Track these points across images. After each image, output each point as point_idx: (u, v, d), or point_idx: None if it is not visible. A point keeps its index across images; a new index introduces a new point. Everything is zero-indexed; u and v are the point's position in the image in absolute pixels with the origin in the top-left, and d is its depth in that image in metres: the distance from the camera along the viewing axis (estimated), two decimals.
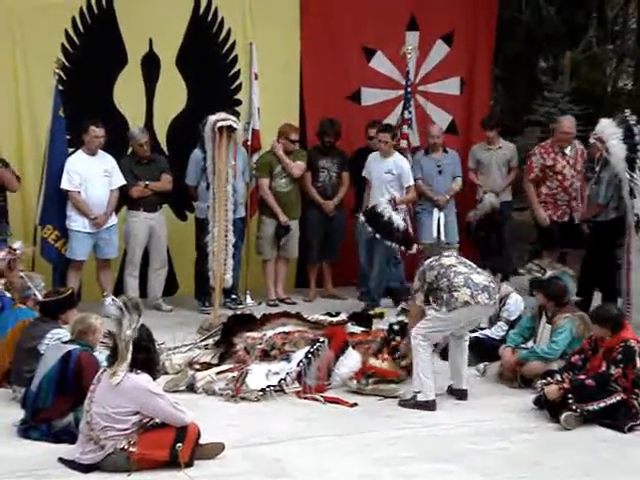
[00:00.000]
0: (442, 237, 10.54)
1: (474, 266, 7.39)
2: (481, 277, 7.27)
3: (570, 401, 6.83)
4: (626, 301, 9.31)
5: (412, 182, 10.21)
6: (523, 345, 8.03)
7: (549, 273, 8.07)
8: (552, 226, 10.33)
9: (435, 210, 10.69)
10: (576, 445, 6.56)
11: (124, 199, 9.96)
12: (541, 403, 7.09)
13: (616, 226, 9.53)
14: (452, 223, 10.81)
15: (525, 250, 12.72)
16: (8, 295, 7.93)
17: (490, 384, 7.92)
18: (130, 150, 10.13)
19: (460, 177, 10.93)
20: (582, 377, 6.96)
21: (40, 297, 7.53)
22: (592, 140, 9.54)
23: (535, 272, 8.18)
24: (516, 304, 8.49)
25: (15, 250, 8.21)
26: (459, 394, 7.51)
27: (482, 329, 8.39)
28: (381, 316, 9.01)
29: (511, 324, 8.34)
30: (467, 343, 7.58)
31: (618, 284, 9.50)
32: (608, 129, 9.26)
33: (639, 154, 9.17)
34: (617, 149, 9.20)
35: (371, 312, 9.37)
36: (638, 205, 9.17)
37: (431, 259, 7.44)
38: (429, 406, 7.18)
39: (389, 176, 10.12)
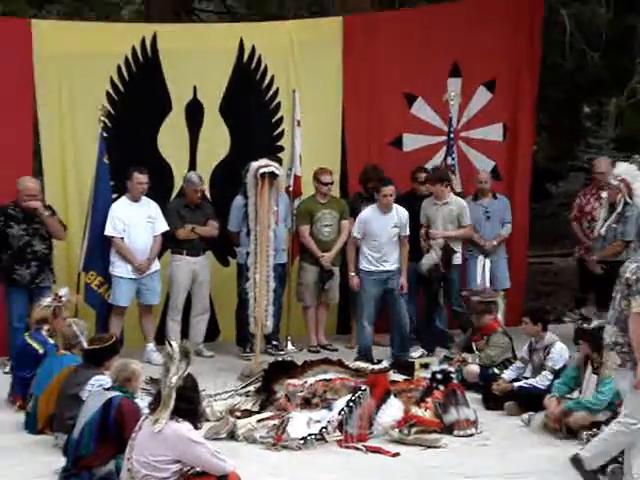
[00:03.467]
0: (487, 283, 10.40)
1: None
2: None
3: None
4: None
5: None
6: (568, 395, 7.89)
7: (595, 323, 7.94)
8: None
9: (481, 256, 10.60)
10: None
11: (168, 242, 10.00)
12: None
13: None
14: (501, 268, 10.72)
15: (568, 297, 12.59)
16: (51, 341, 7.98)
17: (535, 435, 7.79)
18: (177, 193, 10.24)
19: (509, 223, 10.81)
20: None
21: (85, 344, 7.55)
22: (614, 182, 9.64)
23: (579, 321, 8.08)
24: (561, 353, 8.36)
25: (60, 297, 8.26)
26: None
27: (526, 378, 8.29)
28: (426, 366, 8.91)
29: (556, 373, 8.22)
30: None
31: None
32: (632, 172, 9.50)
33: None
34: None
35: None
36: None
37: None
38: None
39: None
